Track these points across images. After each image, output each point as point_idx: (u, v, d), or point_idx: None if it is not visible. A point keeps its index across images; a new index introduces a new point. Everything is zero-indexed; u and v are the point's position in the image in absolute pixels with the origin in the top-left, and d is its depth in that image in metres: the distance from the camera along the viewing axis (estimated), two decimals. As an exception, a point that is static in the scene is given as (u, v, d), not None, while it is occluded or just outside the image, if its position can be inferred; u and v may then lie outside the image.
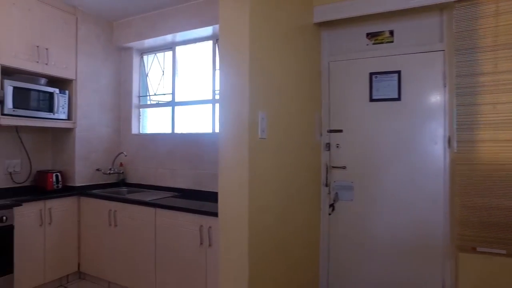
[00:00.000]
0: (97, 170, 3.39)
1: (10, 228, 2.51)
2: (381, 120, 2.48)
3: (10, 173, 3.08)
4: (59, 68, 3.06)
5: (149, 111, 3.68)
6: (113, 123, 3.59)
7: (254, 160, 1.69)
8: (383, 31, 2.50)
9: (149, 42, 3.40)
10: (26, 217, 2.69)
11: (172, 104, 3.41)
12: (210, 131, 3.16)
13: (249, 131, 1.64)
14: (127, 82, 3.62)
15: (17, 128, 3.10)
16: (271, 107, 1.90)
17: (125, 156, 3.49)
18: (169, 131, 3.43)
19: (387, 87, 2.47)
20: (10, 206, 2.52)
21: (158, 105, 3.54)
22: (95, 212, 3.01)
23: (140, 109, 3.67)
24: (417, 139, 2.37)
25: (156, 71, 3.61)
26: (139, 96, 3.66)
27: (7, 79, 2.72)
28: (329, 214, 2.65)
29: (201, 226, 2.41)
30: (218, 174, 1.78)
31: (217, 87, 3.18)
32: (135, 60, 3.63)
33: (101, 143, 3.46)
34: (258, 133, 1.75)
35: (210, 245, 2.37)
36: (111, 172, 3.44)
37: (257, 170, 1.72)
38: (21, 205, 2.60)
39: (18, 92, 2.76)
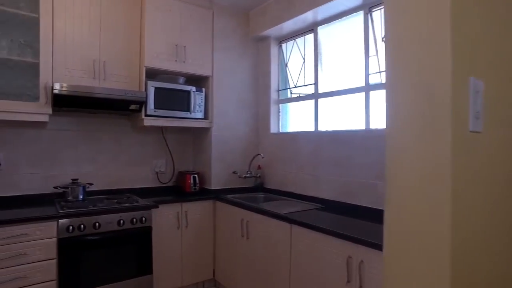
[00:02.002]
0: (233, 173, 3.12)
1: (149, 230, 2.43)
2: None
3: (157, 173, 3.12)
4: (196, 65, 2.92)
5: (289, 107, 3.20)
6: (250, 122, 3.27)
7: (459, 171, 0.88)
8: None
9: (287, 26, 2.92)
10: (164, 218, 2.60)
11: (315, 96, 2.82)
12: (363, 127, 2.42)
13: (451, 120, 0.86)
14: (265, 76, 3.24)
15: (162, 128, 3.12)
16: (491, 75, 0.99)
17: (262, 158, 3.11)
18: (312, 128, 2.85)
19: None
20: (149, 208, 2.44)
21: (299, 98, 3.02)
22: (229, 220, 2.71)
23: (280, 105, 3.24)
24: None
25: (296, 60, 3.10)
26: (278, 90, 3.24)
27: (150, 80, 2.70)
28: None
29: (349, 257, 1.73)
30: (384, 186, 1.04)
31: (372, 69, 2.41)
32: (273, 50, 3.22)
33: (238, 144, 3.19)
34: (467, 122, 0.88)
35: (361, 287, 1.67)
36: (248, 175, 3.11)
37: (464, 188, 0.91)
38: (158, 207, 2.51)
39: (158, 93, 2.71)
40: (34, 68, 2.30)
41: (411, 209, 0.91)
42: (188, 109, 2.87)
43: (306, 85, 2.95)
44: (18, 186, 2.50)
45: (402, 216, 0.93)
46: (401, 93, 0.95)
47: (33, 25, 2.30)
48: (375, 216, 2.13)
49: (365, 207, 2.26)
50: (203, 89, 2.98)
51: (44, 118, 2.32)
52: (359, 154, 2.33)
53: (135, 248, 2.37)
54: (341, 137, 2.48)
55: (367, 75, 2.42)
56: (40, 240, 2.06)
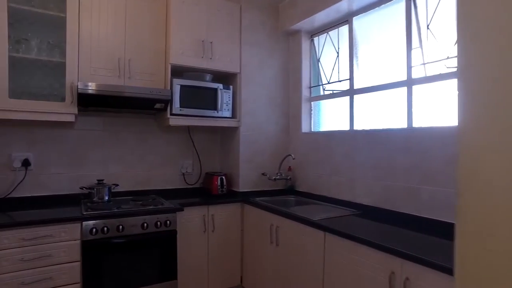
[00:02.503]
0: (263, 174, 2.97)
1: (173, 233, 2.34)
2: None
3: (183, 174, 3.03)
4: (223, 62, 2.80)
5: (322, 105, 3.00)
6: (281, 121, 3.10)
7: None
8: None
9: (319, 18, 2.72)
10: (190, 222, 2.50)
11: (350, 92, 2.61)
12: (404, 125, 2.18)
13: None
14: (296, 72, 3.06)
15: (188, 128, 3.03)
16: None
17: (293, 159, 2.93)
18: (347, 127, 2.64)
19: None
20: (173, 210, 2.35)
21: (332, 95, 2.82)
22: (257, 224, 2.56)
23: (312, 103, 3.04)
24: None
25: (329, 54, 2.89)
26: (310, 87, 3.04)
27: (176, 78, 2.61)
28: None
29: (392, 273, 1.52)
30: (457, 195, 0.82)
31: (415, 62, 2.16)
32: (304, 44, 3.03)
33: (268, 144, 3.03)
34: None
35: (408, 308, 1.45)
36: (278, 177, 2.95)
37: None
38: (183, 210, 2.40)
39: (184, 91, 2.62)
40: (61, 68, 2.27)
41: (498, 225, 0.71)
42: (215, 108, 2.75)
43: (340, 81, 2.74)
44: (47, 186, 2.50)
45: (485, 233, 0.73)
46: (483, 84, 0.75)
47: (61, 25, 2.28)
48: (419, 225, 1.90)
49: (406, 214, 2.02)
50: (231, 87, 2.85)
51: (70, 118, 2.29)
52: (399, 155, 2.09)
53: (160, 252, 2.28)
54: (379, 136, 2.25)
55: (409, 68, 2.17)
56: (65, 242, 2.02)
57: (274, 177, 2.93)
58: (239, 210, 2.74)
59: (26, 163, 2.41)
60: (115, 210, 2.22)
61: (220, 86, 2.77)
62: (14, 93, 2.15)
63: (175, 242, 2.34)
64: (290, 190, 2.98)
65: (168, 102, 2.52)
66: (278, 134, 3.08)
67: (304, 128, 3.00)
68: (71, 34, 2.28)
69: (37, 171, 2.47)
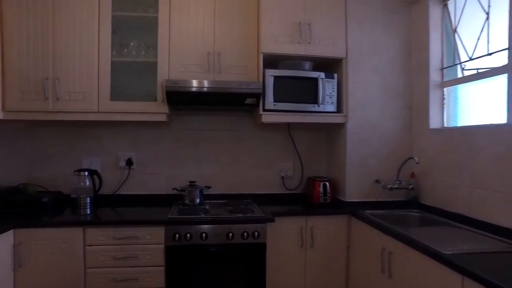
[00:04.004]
0: (376, 182, 2.39)
1: (262, 247, 2.03)
2: None
3: (283, 178, 2.71)
4: (324, 45, 2.35)
5: (460, 90, 2.22)
6: (400, 114, 2.45)
7: None
8: None
9: (456, -28, 2.00)
10: (284, 234, 2.17)
11: (509, 69, 1.80)
12: None
13: None
14: (422, 50, 2.36)
15: (288, 125, 2.69)
16: None
17: (417, 163, 2.24)
18: (503, 120, 1.82)
19: None
20: (263, 221, 2.05)
21: (477, 76, 2.03)
22: (366, 244, 2.03)
23: (444, 89, 2.30)
24: None
25: (473, 20, 2.10)
26: (441, 69, 2.30)
27: (268, 69, 2.31)
28: None
29: None
30: None
31: None
32: (433, 12, 2.30)
33: (383, 144, 2.43)
34: None
35: None
36: (396, 186, 2.32)
37: None
38: (274, 221, 2.07)
39: (279, 82, 2.29)
40: (154, 68, 2.25)
41: None
42: (315, 101, 2.33)
43: (490, 54, 1.94)
44: (147, 185, 2.55)
45: None
46: None
47: (153, 25, 2.26)
48: None
49: None
50: (335, 75, 2.38)
51: (162, 118, 2.26)
52: None
53: (246, 267, 2.01)
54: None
55: None
56: (150, 245, 1.97)
57: (390, 186, 2.32)
58: (345, 223, 2.25)
59: (129, 163, 2.50)
60: (202, 215, 2.06)
61: (322, 75, 2.34)
62: (113, 96, 2.22)
63: (263, 257, 2.04)
64: (413, 203, 2.31)
65: (259, 96, 2.24)
66: (396, 132, 2.44)
67: (434, 123, 2.28)
68: (162, 34, 2.25)
69: (139, 170, 2.54)
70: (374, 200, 2.39)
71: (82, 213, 2.17)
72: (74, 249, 1.92)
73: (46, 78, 2.13)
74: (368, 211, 2.19)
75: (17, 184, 2.33)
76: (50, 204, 2.19)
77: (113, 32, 2.24)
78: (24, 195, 2.23)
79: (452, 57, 2.27)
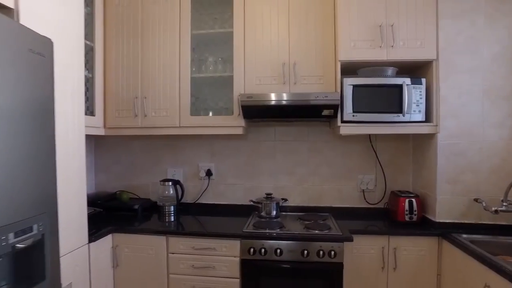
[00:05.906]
0: (476, 201, 2.06)
1: (339, 267, 1.92)
2: None
3: (363, 191, 2.53)
4: (410, 48, 2.11)
5: None
6: (508, 122, 2.08)
7: None
8: None
9: None
10: (363, 254, 2.03)
11: None
12: None
13: None
14: (538, 45, 1.96)
15: (369, 136, 2.51)
16: None
17: (531, 181, 1.87)
18: None
19: None
20: (340, 240, 1.93)
21: None
22: (462, 276, 1.77)
23: None
24: None
25: None
26: None
27: (347, 77, 2.17)
28: None
29: None
30: None
31: None
32: (555, -2, 1.90)
33: (484, 157, 2.08)
34: None
35: None
36: (504, 208, 1.96)
37: None
38: (352, 240, 1.94)
39: (358, 92, 2.14)
40: (230, 82, 2.31)
41: None
42: (400, 110, 2.12)
43: None
44: (225, 195, 2.63)
45: None
46: None
47: (229, 40, 2.31)
48: None
49: None
50: (423, 80, 2.13)
51: (239, 131, 2.30)
52: None
53: (322, 287, 1.92)
54: None
55: None
56: (226, 257, 2.01)
57: (495, 208, 1.97)
58: (434, 247, 2.00)
59: (209, 173, 2.62)
60: (277, 230, 2.04)
61: (407, 80, 2.11)
62: (193, 110, 2.34)
63: (340, 278, 1.92)
64: (526, 228, 1.94)
65: (337, 107, 2.12)
66: (503, 142, 2.07)
67: (555, 132, 1.88)
68: (237, 47, 2.28)
69: (217, 181, 2.64)
70: (473, 222, 2.07)
71: (166, 219, 2.35)
72: (159, 255, 2.08)
73: (136, 97, 2.36)
74: (464, 235, 1.91)
75: (115, 191, 2.64)
76: (140, 211, 2.43)
77: (192, 50, 2.36)
78: (120, 201, 2.51)
79: None
